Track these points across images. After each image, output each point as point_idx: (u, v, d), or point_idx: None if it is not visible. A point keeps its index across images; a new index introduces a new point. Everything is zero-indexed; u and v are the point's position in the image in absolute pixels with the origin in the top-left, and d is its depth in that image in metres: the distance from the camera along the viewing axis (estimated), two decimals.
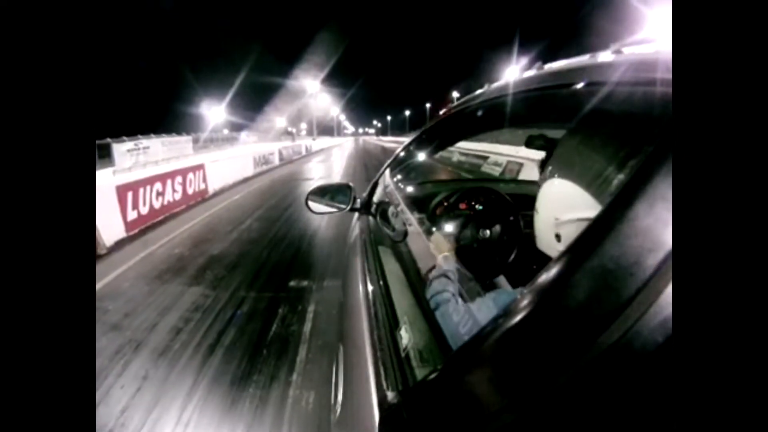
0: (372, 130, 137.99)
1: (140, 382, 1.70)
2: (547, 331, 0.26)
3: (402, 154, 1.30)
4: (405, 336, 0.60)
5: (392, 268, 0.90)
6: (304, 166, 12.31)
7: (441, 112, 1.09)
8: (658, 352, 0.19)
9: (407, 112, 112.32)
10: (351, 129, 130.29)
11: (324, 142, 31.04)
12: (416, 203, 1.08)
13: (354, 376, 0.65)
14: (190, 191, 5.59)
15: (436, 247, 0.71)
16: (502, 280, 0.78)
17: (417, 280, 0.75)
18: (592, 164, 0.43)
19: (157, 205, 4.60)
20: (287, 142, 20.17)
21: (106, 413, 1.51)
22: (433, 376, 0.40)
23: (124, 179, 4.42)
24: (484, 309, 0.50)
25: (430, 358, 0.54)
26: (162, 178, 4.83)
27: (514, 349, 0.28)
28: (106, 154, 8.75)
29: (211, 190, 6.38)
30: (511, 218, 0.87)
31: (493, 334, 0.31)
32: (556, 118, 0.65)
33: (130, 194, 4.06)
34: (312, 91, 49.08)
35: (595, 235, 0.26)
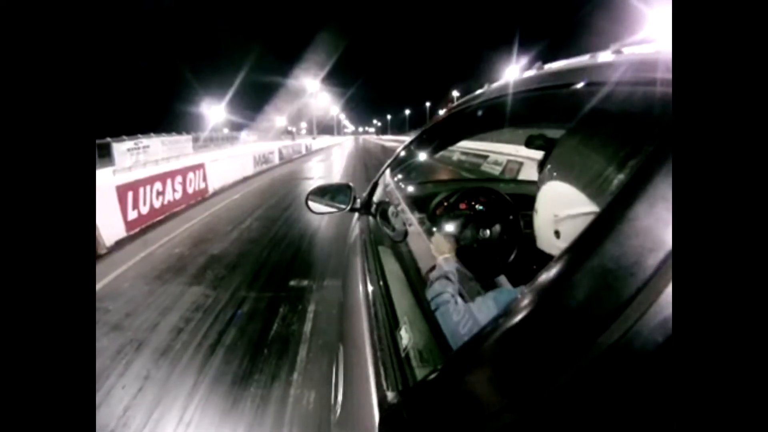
0: (372, 129, 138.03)
1: (142, 382, 1.70)
2: (547, 330, 0.26)
3: (402, 153, 1.30)
4: (405, 336, 0.60)
5: (392, 268, 0.90)
6: (304, 165, 12.30)
7: (441, 112, 1.09)
8: (658, 352, 0.19)
9: (407, 112, 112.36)
10: (351, 128, 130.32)
11: (324, 141, 31.01)
12: (416, 203, 1.08)
13: (354, 376, 0.65)
14: (190, 191, 5.59)
15: (437, 248, 0.71)
16: (502, 279, 0.79)
17: (417, 280, 0.75)
18: (591, 164, 0.43)
19: (157, 204, 4.60)
20: (287, 141, 20.16)
21: (108, 413, 1.52)
22: (433, 376, 0.40)
23: (124, 179, 4.42)
24: (485, 308, 0.50)
25: (430, 358, 0.54)
26: (162, 177, 4.83)
27: (514, 349, 0.28)
28: (106, 154, 8.75)
29: (211, 190, 6.38)
30: (511, 218, 0.87)
31: (493, 334, 0.31)
32: (556, 118, 0.65)
33: (130, 194, 4.06)
34: (312, 90, 49.04)
35: (596, 234, 0.26)
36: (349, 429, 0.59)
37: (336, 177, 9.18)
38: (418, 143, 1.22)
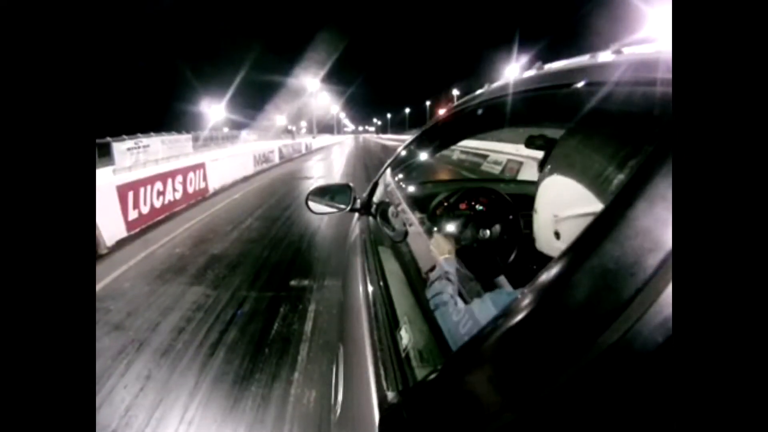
0: (372, 128, 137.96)
1: (143, 381, 1.70)
2: (547, 331, 0.26)
3: (402, 153, 1.30)
4: (405, 336, 0.60)
5: (392, 268, 0.90)
6: (305, 164, 12.30)
7: (441, 112, 1.08)
8: (658, 352, 0.19)
9: (407, 110, 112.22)
10: (351, 127, 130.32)
11: (324, 140, 31.00)
12: (416, 203, 1.08)
13: (354, 376, 0.66)
14: (190, 190, 5.60)
15: (438, 248, 0.71)
16: (502, 280, 0.79)
17: (417, 280, 0.75)
18: (591, 164, 0.43)
19: (157, 204, 4.61)
20: (287, 140, 20.15)
21: (110, 413, 1.52)
22: (433, 376, 0.40)
23: (124, 178, 4.43)
24: (484, 310, 0.50)
25: (430, 358, 0.54)
26: (162, 177, 4.84)
27: (514, 349, 0.28)
28: (106, 153, 8.74)
29: (211, 189, 6.38)
30: (511, 218, 0.87)
31: (493, 334, 0.31)
32: (556, 118, 0.65)
33: (130, 193, 4.07)
34: (312, 89, 48.99)
35: (595, 234, 0.26)
36: (349, 429, 0.59)
37: (336, 176, 9.18)
38: (418, 143, 1.22)
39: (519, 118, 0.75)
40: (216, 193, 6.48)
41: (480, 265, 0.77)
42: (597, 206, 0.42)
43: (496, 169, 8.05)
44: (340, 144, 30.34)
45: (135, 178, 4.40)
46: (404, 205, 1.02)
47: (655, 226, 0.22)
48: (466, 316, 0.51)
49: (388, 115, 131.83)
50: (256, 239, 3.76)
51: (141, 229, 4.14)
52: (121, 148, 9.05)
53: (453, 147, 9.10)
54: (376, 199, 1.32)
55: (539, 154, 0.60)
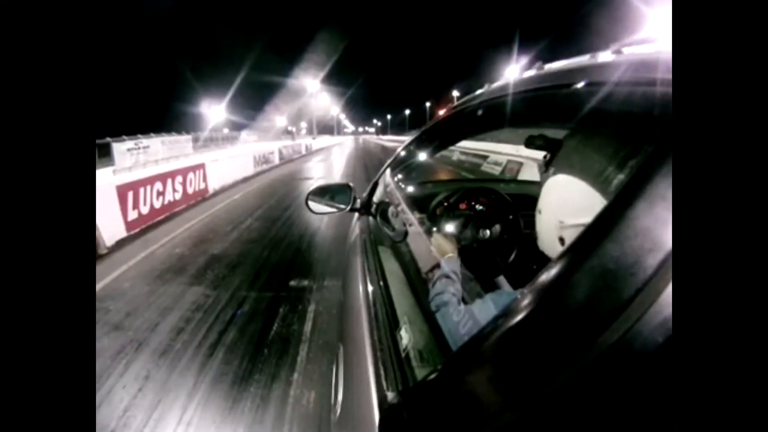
0: (372, 129, 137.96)
1: (142, 382, 1.70)
2: (547, 331, 0.26)
3: (402, 153, 1.30)
4: (405, 336, 0.60)
5: (392, 268, 0.90)
6: (304, 165, 12.30)
7: (441, 112, 1.09)
8: (658, 352, 0.19)
9: (407, 111, 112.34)
10: (351, 128, 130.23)
11: (324, 141, 31.02)
12: (416, 203, 1.08)
13: (354, 376, 0.65)
14: (190, 191, 5.59)
15: (439, 248, 0.71)
16: (502, 280, 0.79)
17: (417, 281, 0.75)
18: (594, 165, 0.43)
19: (157, 204, 4.61)
20: (287, 141, 20.15)
21: (108, 413, 1.52)
22: (433, 376, 0.40)
23: (124, 179, 4.42)
24: (485, 310, 0.50)
25: (430, 358, 0.54)
26: (162, 177, 4.84)
27: (514, 349, 0.28)
28: (106, 153, 8.76)
29: (211, 190, 6.38)
30: (511, 218, 0.87)
31: (493, 335, 0.31)
32: (556, 118, 0.65)
33: (130, 194, 4.07)
34: (312, 90, 48.99)
35: (595, 234, 0.26)
36: (349, 429, 0.59)
37: (336, 177, 9.18)
38: (418, 143, 1.22)
39: (519, 119, 0.75)
40: (216, 193, 6.48)
41: (480, 265, 0.77)
42: None
43: (496, 170, 8.06)
44: (340, 145, 30.37)
45: (135, 178, 4.40)
46: (404, 205, 1.02)
47: (655, 226, 0.22)
48: (466, 316, 0.51)
49: (388, 116, 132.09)
50: (256, 239, 3.76)
51: (141, 230, 4.14)
52: (121, 148, 9.06)
53: (453, 148, 9.11)
54: (376, 199, 1.32)
55: (539, 154, 0.60)
